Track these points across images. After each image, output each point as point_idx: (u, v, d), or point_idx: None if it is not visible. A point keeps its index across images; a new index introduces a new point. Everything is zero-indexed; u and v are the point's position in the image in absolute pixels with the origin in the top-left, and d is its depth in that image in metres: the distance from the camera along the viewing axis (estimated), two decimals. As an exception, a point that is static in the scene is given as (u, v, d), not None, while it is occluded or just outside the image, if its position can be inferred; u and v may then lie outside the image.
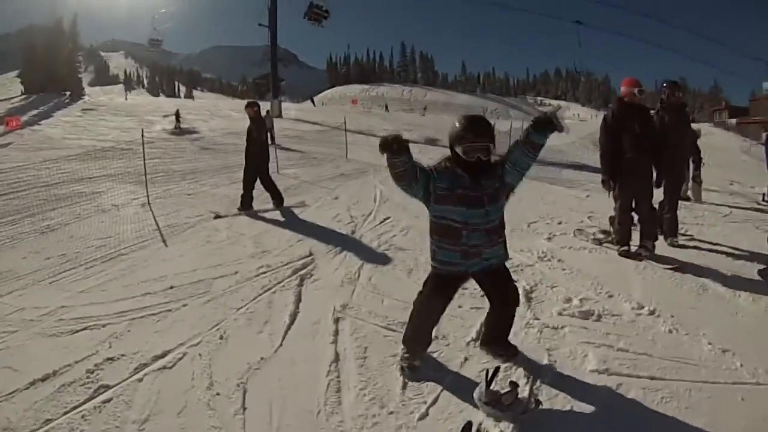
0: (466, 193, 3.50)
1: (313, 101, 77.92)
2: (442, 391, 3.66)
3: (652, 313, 4.83)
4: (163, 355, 4.24)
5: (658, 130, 6.81)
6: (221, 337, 4.55)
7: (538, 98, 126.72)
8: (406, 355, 3.95)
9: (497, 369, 3.51)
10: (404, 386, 3.72)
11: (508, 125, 28.93)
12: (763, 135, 11.05)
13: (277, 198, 9.85)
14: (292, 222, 8.82)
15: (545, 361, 4.01)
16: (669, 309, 4.89)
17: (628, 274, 5.94)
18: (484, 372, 3.49)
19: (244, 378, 3.87)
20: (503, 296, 3.84)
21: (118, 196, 11.07)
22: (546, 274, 5.94)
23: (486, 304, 4.03)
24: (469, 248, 3.56)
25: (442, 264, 3.69)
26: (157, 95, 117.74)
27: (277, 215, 9.30)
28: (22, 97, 60.92)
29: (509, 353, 3.98)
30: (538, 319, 4.71)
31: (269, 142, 21.68)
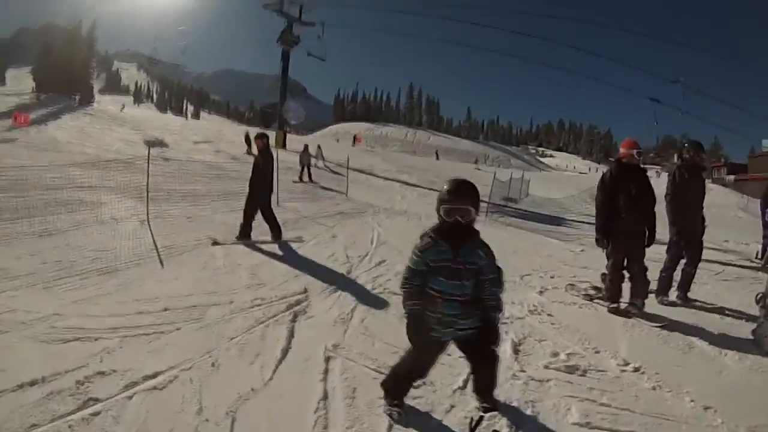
0: (447, 265, 3.62)
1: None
2: (426, 436, 3.70)
3: (636, 369, 4.90)
4: (154, 376, 4.28)
5: (675, 187, 7.09)
6: (213, 365, 4.60)
7: (540, 149, 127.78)
8: (393, 402, 4.00)
9: (481, 418, 3.59)
10: (389, 429, 3.77)
11: (509, 175, 29.25)
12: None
13: (276, 231, 9.91)
14: (288, 256, 8.88)
15: (529, 412, 4.07)
16: (654, 366, 4.96)
17: (616, 331, 6.03)
18: (468, 420, 3.57)
19: (234, 407, 3.91)
20: (479, 361, 3.92)
21: (118, 209, 11.17)
22: (535, 327, 6.01)
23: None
24: (444, 316, 3.68)
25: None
26: (165, 111, 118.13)
27: (274, 248, 9.36)
28: (33, 93, 61.40)
29: (490, 405, 4.00)
30: (524, 371, 4.77)
31: (305, 179, 21.81)
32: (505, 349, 5.20)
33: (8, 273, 6.47)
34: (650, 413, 4.13)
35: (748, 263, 10.77)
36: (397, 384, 4.03)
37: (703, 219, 7.35)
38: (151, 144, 31.85)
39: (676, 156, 7.47)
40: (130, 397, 3.94)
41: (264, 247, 9.33)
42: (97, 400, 3.84)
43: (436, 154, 72.54)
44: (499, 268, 3.77)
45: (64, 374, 4.15)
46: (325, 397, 4.15)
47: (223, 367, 4.60)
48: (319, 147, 32.41)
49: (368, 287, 7.27)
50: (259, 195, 9.76)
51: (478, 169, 50.39)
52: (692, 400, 4.34)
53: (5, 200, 10.25)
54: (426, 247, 3.67)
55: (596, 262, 8.67)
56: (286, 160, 26.20)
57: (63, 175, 13.29)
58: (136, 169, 13.27)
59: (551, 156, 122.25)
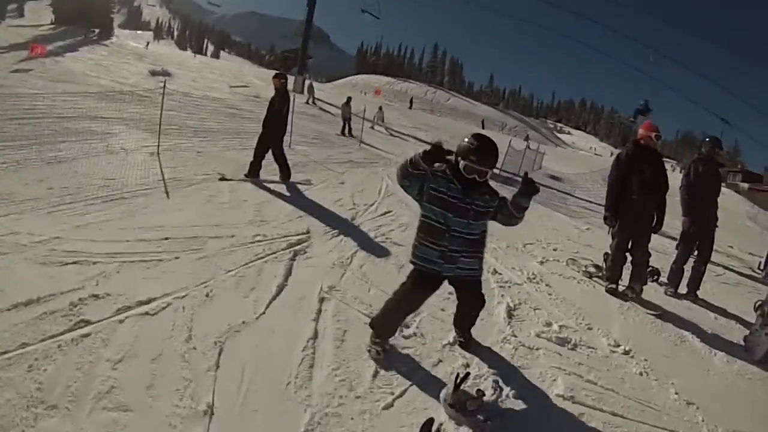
0: (455, 202, 3.74)
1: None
2: (410, 386, 3.75)
3: (626, 353, 4.91)
4: (148, 302, 4.30)
5: (690, 179, 7.11)
6: (207, 295, 4.61)
7: (558, 124, 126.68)
8: (376, 340, 4.10)
9: (467, 375, 3.61)
10: (375, 375, 3.80)
11: (524, 145, 29.03)
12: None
13: (285, 171, 9.90)
14: (294, 197, 8.86)
15: (515, 378, 4.08)
16: (643, 352, 4.97)
17: (611, 312, 6.03)
18: (454, 375, 3.58)
19: (223, 338, 3.94)
20: (469, 304, 4.20)
21: (129, 140, 11.08)
22: (532, 295, 6.02)
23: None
24: (449, 251, 3.79)
25: (420, 260, 3.89)
26: (185, 49, 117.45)
27: (281, 188, 9.34)
28: (51, 26, 60.86)
29: (465, 339, 4.36)
30: (515, 336, 4.78)
31: (346, 133, 21.43)
32: (499, 312, 5.26)
33: (14, 197, 6.42)
34: (634, 398, 4.16)
35: (749, 272, 10.69)
36: (386, 319, 4.13)
37: (716, 216, 7.27)
38: (155, 73, 31.87)
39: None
40: (122, 321, 3.97)
41: (271, 186, 9.29)
42: (88, 322, 3.87)
43: (482, 123, 69.90)
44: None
45: (58, 296, 4.17)
46: (315, 336, 4.18)
47: (217, 298, 4.62)
48: (380, 109, 31.91)
49: (371, 235, 7.27)
50: (272, 134, 9.71)
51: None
52: (677, 393, 4.36)
53: (17, 128, 10.20)
54: (438, 174, 3.79)
55: (600, 241, 8.65)
56: (302, 105, 26.15)
57: (75, 105, 13.23)
58: (150, 102, 13.19)
59: (569, 133, 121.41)
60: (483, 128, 60.17)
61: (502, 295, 5.72)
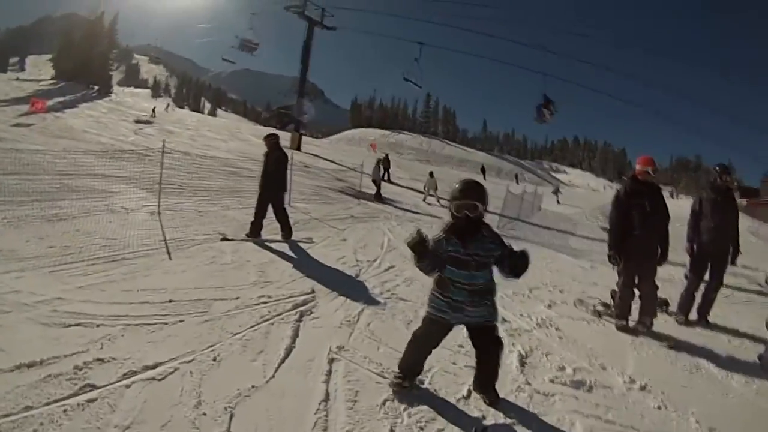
0: (457, 256, 3.99)
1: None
2: (427, 445, 3.65)
3: (643, 388, 4.84)
4: (154, 366, 4.24)
5: (696, 207, 7.21)
6: (214, 359, 4.55)
7: (554, 164, 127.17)
8: (398, 376, 4.34)
9: (485, 429, 3.57)
10: (390, 433, 3.72)
11: (522, 188, 29.13)
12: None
13: (287, 230, 9.91)
14: (297, 256, 8.84)
15: (533, 426, 4.00)
16: (660, 385, 4.91)
17: (624, 348, 5.95)
18: (473, 429, 3.52)
19: (233, 403, 3.86)
20: (485, 348, 4.24)
21: (130, 200, 11.14)
22: (543, 341, 5.94)
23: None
24: (453, 302, 4.04)
25: (434, 309, 4.16)
26: (182, 107, 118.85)
27: (283, 247, 9.32)
28: (52, 81, 61.83)
29: (491, 399, 4.27)
30: (530, 384, 4.71)
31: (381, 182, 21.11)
32: (511, 361, 5.17)
33: (16, 254, 6.47)
34: None
35: (757, 287, 10.62)
36: (405, 359, 4.36)
37: (735, 245, 7.22)
38: (139, 121, 32.30)
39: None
40: (128, 386, 3.90)
41: (273, 245, 9.27)
42: (94, 387, 3.81)
43: (483, 171, 67.84)
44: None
45: (62, 358, 4.13)
46: (327, 398, 4.10)
47: (225, 362, 4.55)
48: (431, 175, 26.84)
49: (376, 291, 7.18)
50: (269, 193, 9.75)
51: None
52: (697, 422, 4.30)
53: (18, 184, 10.26)
54: (440, 240, 4.03)
55: (606, 278, 8.61)
56: (301, 161, 26.30)
57: (76, 162, 13.33)
58: (150, 161, 13.30)
59: (565, 172, 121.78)
60: (484, 176, 60.01)
61: (513, 344, 5.63)
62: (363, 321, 5.93)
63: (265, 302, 6.16)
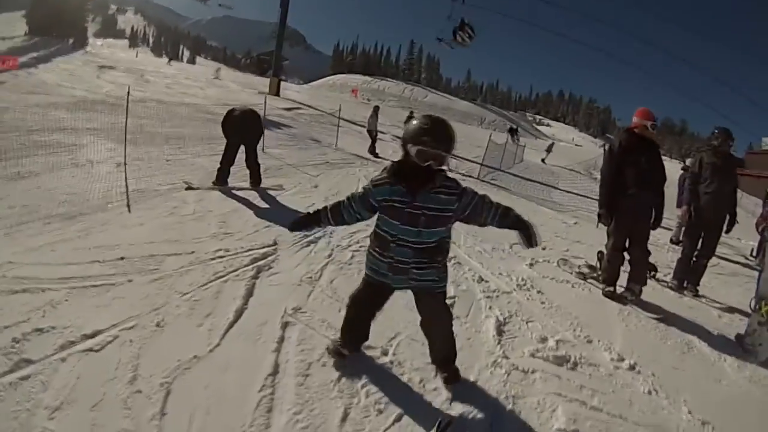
0: (402, 209, 3.25)
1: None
2: None
3: (632, 368, 4.42)
4: (93, 335, 3.78)
5: (696, 170, 6.94)
6: (158, 324, 4.06)
7: (537, 116, 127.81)
8: (338, 342, 3.86)
9: (449, 422, 3.12)
10: (344, 417, 3.25)
11: (504, 138, 28.79)
12: (688, 160, 10.95)
13: (255, 177, 9.48)
14: (264, 205, 8.39)
15: (509, 410, 3.56)
16: (650, 365, 4.51)
17: (611, 319, 5.57)
18: (437, 422, 3.05)
19: (171, 377, 3.40)
20: (434, 319, 3.62)
21: (97, 151, 10.55)
22: (523, 305, 5.50)
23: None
24: (395, 262, 3.36)
25: (370, 271, 3.55)
26: (161, 56, 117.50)
27: (250, 195, 8.88)
28: (25, 37, 60.24)
29: (448, 376, 3.71)
30: (507, 357, 4.24)
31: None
32: (487, 328, 4.74)
33: None
34: (645, 423, 3.69)
35: (743, 260, 10.55)
36: (346, 327, 3.84)
37: (732, 214, 6.89)
38: (103, 66, 31.32)
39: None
40: (64, 359, 3.49)
41: (240, 193, 8.84)
42: (29, 362, 3.42)
43: (512, 132, 60.44)
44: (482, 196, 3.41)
45: (2, 330, 3.72)
46: (275, 372, 3.61)
47: (169, 327, 4.07)
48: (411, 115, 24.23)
49: (343, 243, 6.72)
50: (238, 137, 9.24)
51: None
52: (690, 412, 3.91)
53: None
54: (380, 183, 3.32)
55: (589, 236, 8.37)
56: (279, 107, 25.63)
57: (45, 117, 12.69)
58: (123, 111, 12.69)
59: (548, 125, 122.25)
60: (513, 137, 59.10)
61: (490, 307, 5.19)
62: (326, 277, 5.46)
63: (221, 256, 5.68)
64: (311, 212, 3.55)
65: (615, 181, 6.05)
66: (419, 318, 3.65)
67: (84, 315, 4.05)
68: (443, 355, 3.72)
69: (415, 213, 3.21)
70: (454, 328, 3.67)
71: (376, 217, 3.43)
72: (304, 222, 3.57)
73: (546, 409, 3.64)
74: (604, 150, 6.64)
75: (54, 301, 4.22)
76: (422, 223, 3.23)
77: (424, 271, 3.36)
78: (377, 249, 3.41)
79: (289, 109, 29.53)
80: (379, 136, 20.41)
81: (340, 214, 3.45)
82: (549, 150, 36.73)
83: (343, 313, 3.83)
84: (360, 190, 3.40)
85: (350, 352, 3.81)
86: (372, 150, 19.30)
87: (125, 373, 3.40)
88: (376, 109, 20.98)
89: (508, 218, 3.39)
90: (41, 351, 3.52)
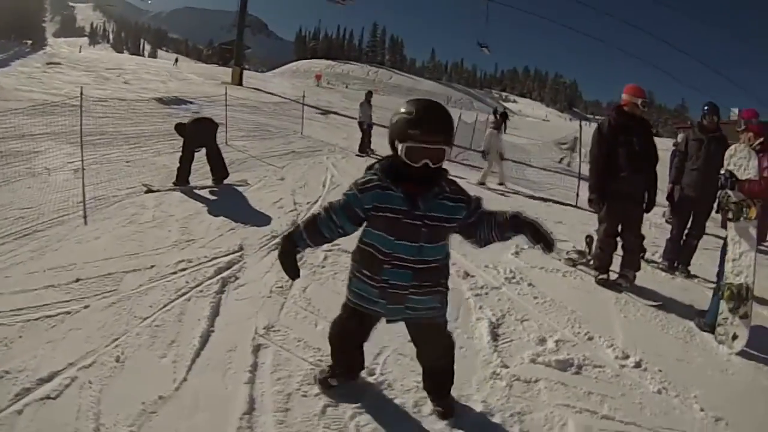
0: (397, 219, 2.66)
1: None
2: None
3: (638, 365, 4.12)
4: (50, 378, 3.29)
5: (683, 148, 6.84)
6: (117, 360, 3.57)
7: (503, 93, 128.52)
8: (326, 372, 3.32)
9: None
10: (331, 459, 2.81)
11: (474, 117, 28.49)
12: (679, 135, 10.73)
13: (218, 173, 9.11)
14: (228, 204, 8.01)
15: (517, 429, 3.18)
16: (656, 360, 4.22)
17: (608, 309, 5.28)
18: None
19: (135, 425, 2.93)
20: (433, 353, 3.09)
21: (55, 158, 10.08)
22: (515, 301, 5.16)
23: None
24: (389, 288, 2.76)
25: (356, 298, 2.93)
26: (122, 51, 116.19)
27: (214, 194, 8.56)
28: None
29: (443, 409, 3.16)
30: (506, 366, 3.85)
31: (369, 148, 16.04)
32: (481, 333, 4.38)
33: None
34: (658, 427, 3.37)
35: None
36: (337, 359, 3.31)
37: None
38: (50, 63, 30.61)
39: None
40: (20, 412, 3.00)
41: (202, 193, 8.50)
42: None
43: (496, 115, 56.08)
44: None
45: None
46: (251, 408, 3.14)
47: (130, 361, 3.58)
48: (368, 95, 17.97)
49: (315, 242, 6.27)
50: (196, 138, 8.90)
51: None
52: (702, 409, 3.63)
53: None
54: (368, 187, 2.71)
55: (570, 216, 8.18)
56: (243, 97, 25.03)
57: (2, 125, 12.10)
58: (84, 112, 12.18)
59: (514, 101, 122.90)
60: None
61: (481, 307, 4.83)
62: (298, 285, 4.91)
63: (183, 269, 5.26)
64: (284, 237, 3.01)
65: (606, 164, 5.76)
66: (414, 347, 3.16)
67: (39, 353, 3.57)
68: (440, 386, 3.21)
69: (414, 224, 2.65)
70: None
71: (361, 234, 2.88)
72: (285, 259, 2.98)
73: (556, 424, 3.27)
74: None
75: (7, 340, 3.74)
76: (424, 237, 2.68)
77: (424, 297, 2.81)
78: (365, 270, 2.83)
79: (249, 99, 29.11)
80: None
81: (318, 231, 2.83)
82: (498, 115, 25.60)
83: (326, 336, 3.32)
84: (341, 196, 2.79)
85: (341, 382, 3.31)
86: (364, 148, 15.91)
87: (87, 424, 2.94)
88: (369, 95, 17.43)
89: (508, 221, 2.79)
90: (-4, 402, 3.06)
